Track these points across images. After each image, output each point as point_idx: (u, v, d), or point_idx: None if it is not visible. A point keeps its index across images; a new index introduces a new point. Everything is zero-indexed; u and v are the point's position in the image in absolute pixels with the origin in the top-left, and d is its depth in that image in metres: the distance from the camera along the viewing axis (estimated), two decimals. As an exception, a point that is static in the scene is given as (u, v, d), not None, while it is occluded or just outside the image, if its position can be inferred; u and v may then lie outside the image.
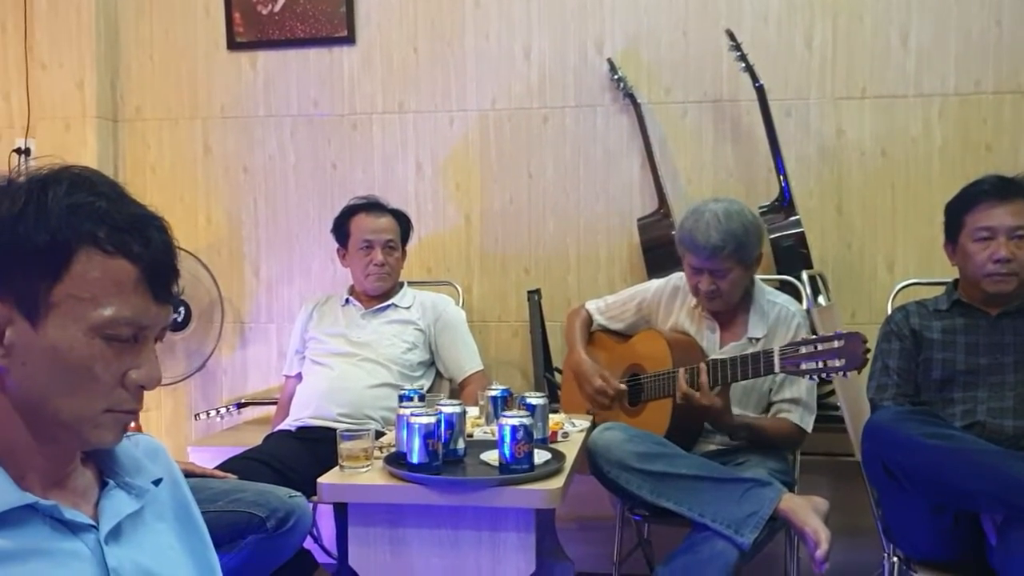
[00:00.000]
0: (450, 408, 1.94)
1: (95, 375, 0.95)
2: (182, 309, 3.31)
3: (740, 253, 2.36)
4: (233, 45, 3.43)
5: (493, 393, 2.28)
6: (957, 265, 2.31)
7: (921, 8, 3.06)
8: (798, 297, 2.73)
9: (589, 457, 2.24)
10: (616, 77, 3.17)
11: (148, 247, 0.96)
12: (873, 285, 3.10)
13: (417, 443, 1.84)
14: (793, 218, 2.93)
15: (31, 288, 0.92)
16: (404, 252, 2.97)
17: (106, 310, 0.93)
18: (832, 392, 2.73)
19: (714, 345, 2.48)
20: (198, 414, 3.37)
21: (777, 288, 2.74)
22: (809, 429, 2.44)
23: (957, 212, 2.28)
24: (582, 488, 2.57)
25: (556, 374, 3.08)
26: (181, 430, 3.54)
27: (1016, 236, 2.18)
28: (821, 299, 2.71)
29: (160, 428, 3.55)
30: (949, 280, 2.40)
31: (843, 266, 3.11)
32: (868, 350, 2.00)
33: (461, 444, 1.96)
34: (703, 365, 2.27)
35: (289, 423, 2.77)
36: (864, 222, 3.12)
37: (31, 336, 0.93)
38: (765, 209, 2.95)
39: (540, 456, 1.92)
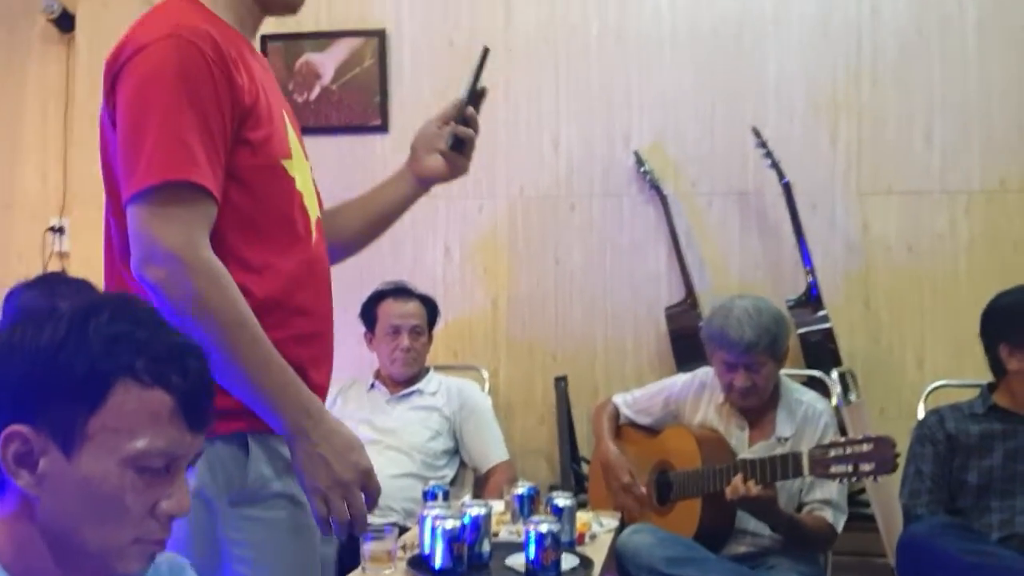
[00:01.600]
0: (475, 510, 1.92)
1: (125, 506, 0.94)
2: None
3: (773, 347, 2.40)
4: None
5: (519, 491, 2.26)
6: (1014, 369, 2.26)
7: (943, 106, 3.10)
8: (826, 393, 2.72)
9: (618, 560, 2.22)
10: (643, 170, 3.21)
11: (186, 377, 0.96)
12: (902, 381, 3.07)
13: (441, 547, 1.82)
14: (821, 313, 2.94)
15: (68, 419, 0.92)
16: (431, 337, 2.99)
17: (140, 442, 0.93)
18: (863, 490, 2.70)
19: (743, 443, 2.47)
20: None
21: (805, 383, 2.74)
22: (840, 530, 2.41)
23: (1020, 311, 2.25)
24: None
25: (583, 464, 3.06)
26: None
27: None
28: (852, 396, 2.70)
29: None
30: (983, 383, 2.37)
31: (872, 362, 3.10)
32: (898, 454, 2.00)
33: (486, 547, 1.94)
34: (736, 466, 2.26)
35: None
36: (892, 317, 3.12)
37: (64, 466, 0.92)
38: (792, 303, 2.96)
39: (567, 561, 1.90)
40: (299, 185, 1.40)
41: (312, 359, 1.39)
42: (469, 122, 1.56)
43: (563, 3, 3.33)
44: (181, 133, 1.22)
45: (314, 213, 1.45)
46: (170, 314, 1.19)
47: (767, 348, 2.37)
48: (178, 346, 0.98)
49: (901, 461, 2.11)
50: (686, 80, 3.24)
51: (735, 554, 2.38)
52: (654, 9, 3.27)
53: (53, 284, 2.28)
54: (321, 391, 1.40)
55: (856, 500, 2.67)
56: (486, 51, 1.56)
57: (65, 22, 3.51)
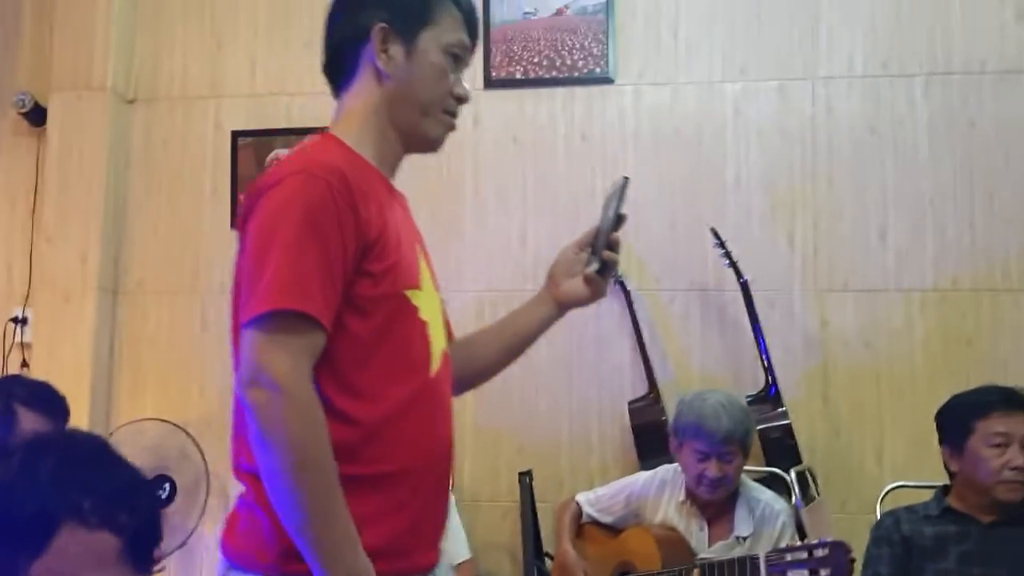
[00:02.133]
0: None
1: None
2: (167, 485, 3.28)
3: (745, 440, 2.49)
4: (236, 225, 3.54)
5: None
6: (960, 471, 2.31)
7: (897, 205, 3.20)
8: (785, 491, 2.74)
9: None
10: (606, 266, 3.26)
11: (134, 516, 0.96)
12: (862, 476, 3.10)
13: (403, 656, 1.80)
14: (780, 409, 2.98)
15: (11, 563, 0.91)
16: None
17: None
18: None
19: (703, 543, 2.49)
20: (175, 596, 3.29)
21: (765, 479, 2.77)
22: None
23: (964, 417, 2.30)
24: None
25: (546, 560, 3.04)
26: (158, 611, 3.44)
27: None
28: (812, 494, 2.73)
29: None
30: (938, 484, 2.41)
31: (831, 456, 3.13)
32: (853, 559, 2.02)
33: (448, 653, 1.92)
34: (694, 567, 2.27)
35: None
36: (851, 412, 3.16)
37: None
38: (751, 399, 3.00)
39: (528, 670, 1.89)
40: (423, 315, 1.44)
41: (399, 504, 1.38)
42: (613, 247, 1.63)
43: (531, 103, 3.43)
44: (300, 264, 1.30)
45: (439, 344, 1.49)
46: (255, 437, 1.26)
47: (741, 439, 2.45)
48: (128, 484, 0.98)
49: (857, 565, 2.13)
50: (649, 178, 3.33)
51: (696, 656, 2.37)
52: (618, 110, 3.38)
53: (10, 387, 2.30)
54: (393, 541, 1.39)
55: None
56: (626, 180, 1.66)
57: (37, 115, 3.56)
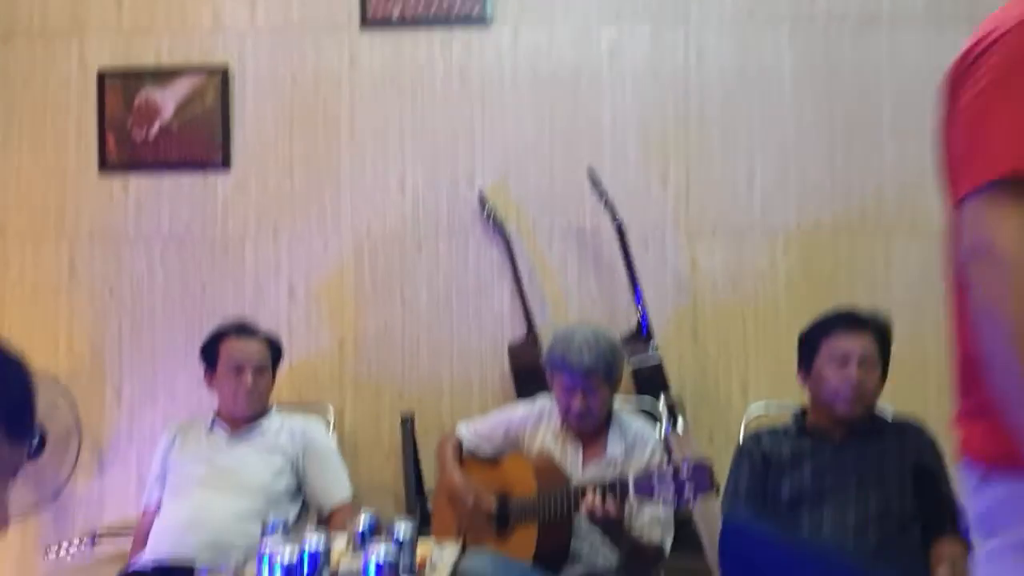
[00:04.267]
0: (313, 542, 1.92)
1: None
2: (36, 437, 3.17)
3: (609, 373, 2.54)
4: (104, 168, 3.42)
5: (360, 526, 2.26)
6: (809, 390, 2.48)
7: (764, 150, 3.32)
8: (656, 422, 2.85)
9: (456, 587, 2.24)
10: (485, 211, 3.30)
11: (4, 386, 0.96)
12: (728, 410, 3.25)
13: (279, 580, 1.81)
14: (651, 346, 3.08)
15: None
16: (274, 376, 2.96)
17: None
18: (691, 515, 2.82)
19: (577, 465, 2.57)
20: (47, 548, 3.19)
21: (637, 413, 2.87)
22: (667, 550, 2.53)
23: (814, 338, 2.46)
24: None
25: (428, 499, 3.08)
26: (31, 568, 3.33)
27: (866, 364, 2.37)
28: (679, 422, 2.84)
29: (5, 567, 3.34)
30: (797, 408, 2.56)
31: (700, 391, 3.27)
32: (714, 476, 2.12)
33: (325, 579, 1.94)
34: (567, 492, 2.34)
35: (146, 560, 2.66)
36: (719, 350, 3.30)
37: None
38: (626, 338, 3.09)
39: (405, 589, 1.92)
40: None
41: None
42: None
43: (409, 43, 3.40)
44: None
45: None
46: (977, 317, 1.15)
47: (605, 373, 2.51)
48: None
49: (715, 457, 2.24)
50: (527, 122, 3.36)
51: (570, 577, 2.46)
52: (496, 53, 3.39)
53: None
54: None
55: (685, 532, 2.80)
56: None
57: None
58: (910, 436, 2.42)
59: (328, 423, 3.23)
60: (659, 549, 2.50)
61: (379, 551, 1.84)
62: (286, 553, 1.82)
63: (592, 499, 2.29)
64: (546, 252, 3.35)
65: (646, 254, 3.29)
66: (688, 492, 2.11)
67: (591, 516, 2.31)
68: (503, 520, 2.56)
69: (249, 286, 3.40)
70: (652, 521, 2.50)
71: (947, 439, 2.61)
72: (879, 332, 2.42)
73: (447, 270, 3.39)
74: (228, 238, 3.42)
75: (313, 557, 1.91)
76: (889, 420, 2.50)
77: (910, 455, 2.39)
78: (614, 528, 2.35)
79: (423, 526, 2.71)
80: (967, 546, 2.27)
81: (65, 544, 3.12)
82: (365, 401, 3.36)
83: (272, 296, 3.40)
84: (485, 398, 3.33)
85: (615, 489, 2.25)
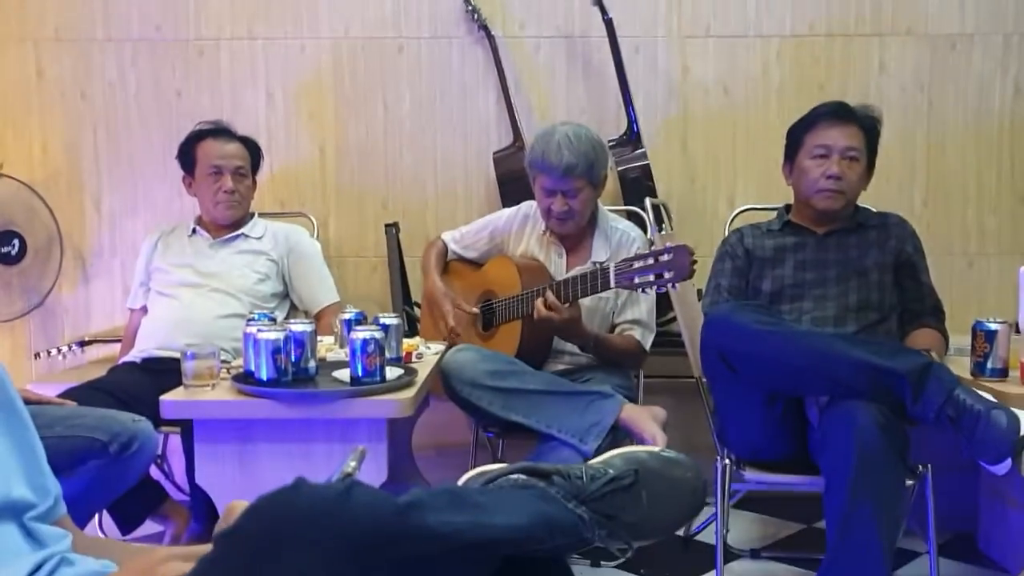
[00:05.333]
0: (300, 327, 1.93)
1: None
2: (16, 242, 3.14)
3: (590, 172, 2.46)
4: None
5: (346, 316, 2.28)
6: (792, 184, 2.45)
7: (761, -48, 3.18)
8: (643, 227, 2.84)
9: (443, 378, 2.28)
10: (470, 8, 3.17)
11: None
12: (715, 219, 3.24)
13: (265, 359, 1.83)
14: (640, 151, 3.03)
15: None
16: (255, 181, 2.91)
17: None
18: (674, 319, 2.86)
19: (561, 269, 2.57)
20: (38, 353, 3.22)
21: (624, 215, 2.85)
22: (648, 347, 2.57)
23: (798, 132, 2.43)
24: (440, 416, 2.62)
25: (416, 308, 3.10)
26: (21, 370, 3.37)
27: (848, 157, 2.33)
28: (664, 226, 2.83)
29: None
30: (782, 205, 2.55)
31: (687, 200, 3.25)
32: (695, 261, 2.10)
33: (312, 364, 1.95)
34: (549, 287, 2.34)
35: (134, 355, 2.69)
36: (707, 159, 3.26)
37: None
38: (614, 143, 3.04)
39: (392, 372, 1.95)
40: None
41: None
42: None
43: None
44: None
45: None
46: None
47: (583, 173, 2.43)
48: None
49: (700, 269, 2.23)
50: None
51: (554, 371, 2.50)
52: None
53: None
54: None
55: (666, 331, 2.84)
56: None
57: None
58: (892, 228, 2.42)
59: (312, 233, 3.21)
60: (639, 346, 2.53)
61: (365, 332, 1.84)
62: (271, 334, 1.83)
63: (541, 304, 2.29)
64: (533, 56, 3.25)
65: (636, 58, 3.20)
66: (668, 275, 2.09)
67: (536, 317, 2.30)
68: (488, 321, 2.58)
69: (225, 91, 3.30)
70: (633, 321, 2.53)
71: (929, 238, 2.63)
72: (866, 125, 2.37)
73: (430, 74, 3.28)
74: (202, 40, 3.28)
75: (299, 339, 1.92)
76: (872, 213, 2.48)
77: (892, 247, 2.39)
78: (566, 328, 2.36)
79: (411, 334, 2.73)
80: (945, 336, 2.32)
81: (54, 350, 3.15)
82: (348, 212, 3.33)
83: (250, 102, 3.30)
84: (470, 207, 3.30)
85: (596, 277, 2.25)
